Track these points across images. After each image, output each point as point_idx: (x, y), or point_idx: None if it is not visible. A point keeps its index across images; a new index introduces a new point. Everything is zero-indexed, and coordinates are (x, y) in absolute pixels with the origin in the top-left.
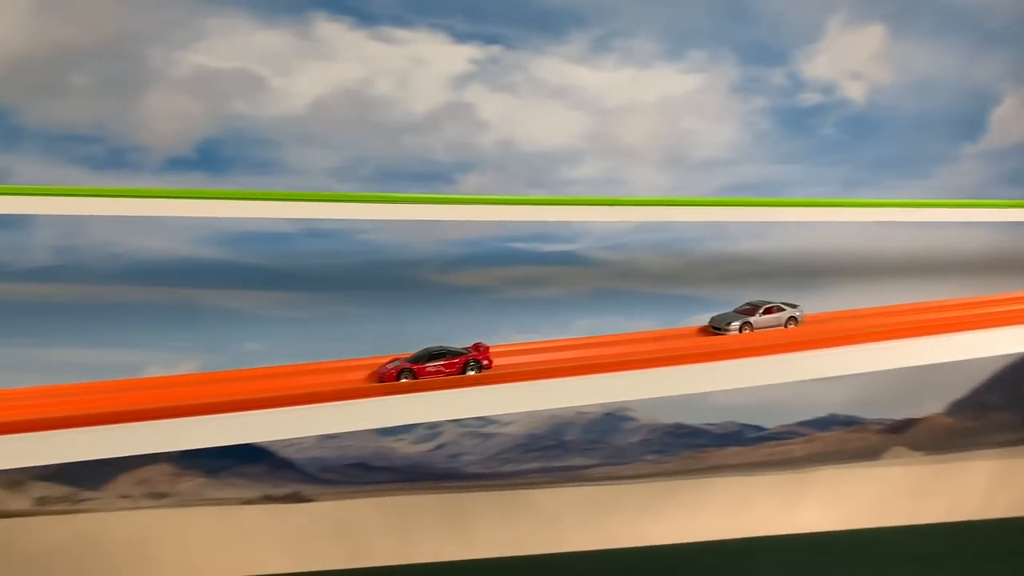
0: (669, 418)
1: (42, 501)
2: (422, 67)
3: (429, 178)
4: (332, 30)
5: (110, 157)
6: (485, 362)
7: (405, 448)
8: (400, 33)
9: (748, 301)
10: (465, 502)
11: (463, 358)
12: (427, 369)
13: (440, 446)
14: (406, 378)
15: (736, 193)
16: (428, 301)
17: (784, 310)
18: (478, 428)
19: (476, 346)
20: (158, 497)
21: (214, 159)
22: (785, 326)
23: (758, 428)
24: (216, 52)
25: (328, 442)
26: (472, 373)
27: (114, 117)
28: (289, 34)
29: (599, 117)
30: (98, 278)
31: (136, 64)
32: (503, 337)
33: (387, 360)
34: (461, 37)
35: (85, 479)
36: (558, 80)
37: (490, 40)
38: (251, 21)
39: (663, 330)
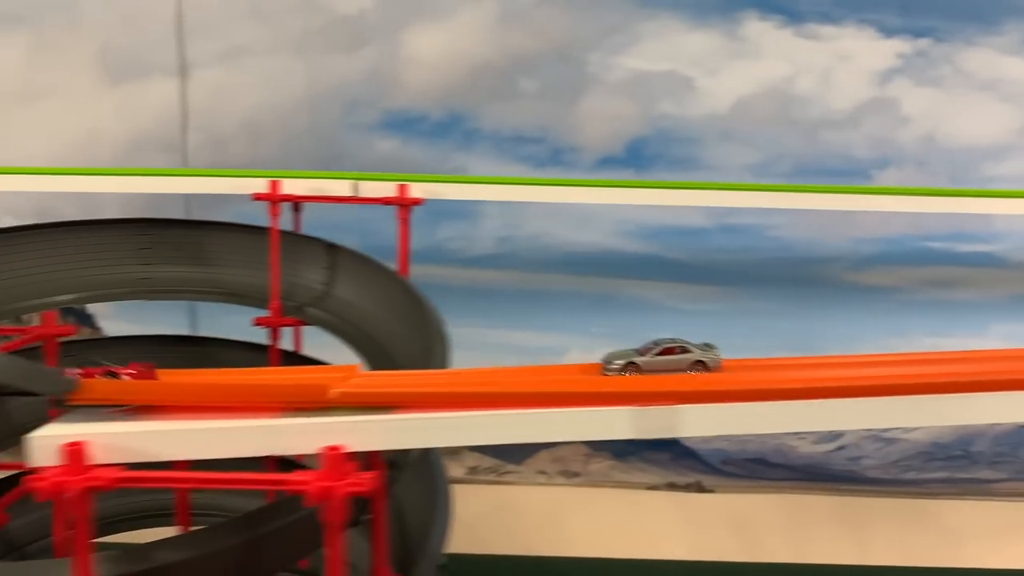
0: None
1: (473, 471)
2: (846, 63)
3: (846, 174)
4: (760, 29)
5: (550, 156)
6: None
7: (806, 447)
8: (827, 30)
9: (655, 339)
10: (863, 507)
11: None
12: None
13: (841, 448)
14: None
15: None
16: (837, 300)
17: (689, 352)
18: (880, 432)
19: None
20: (571, 475)
21: (640, 157)
22: (689, 371)
23: None
24: (648, 55)
25: (731, 436)
26: None
27: (555, 120)
28: (718, 35)
29: None
30: (532, 267)
31: (577, 69)
32: (910, 340)
33: None
34: (890, 31)
35: (510, 453)
36: (988, 73)
37: (919, 33)
38: (683, 23)
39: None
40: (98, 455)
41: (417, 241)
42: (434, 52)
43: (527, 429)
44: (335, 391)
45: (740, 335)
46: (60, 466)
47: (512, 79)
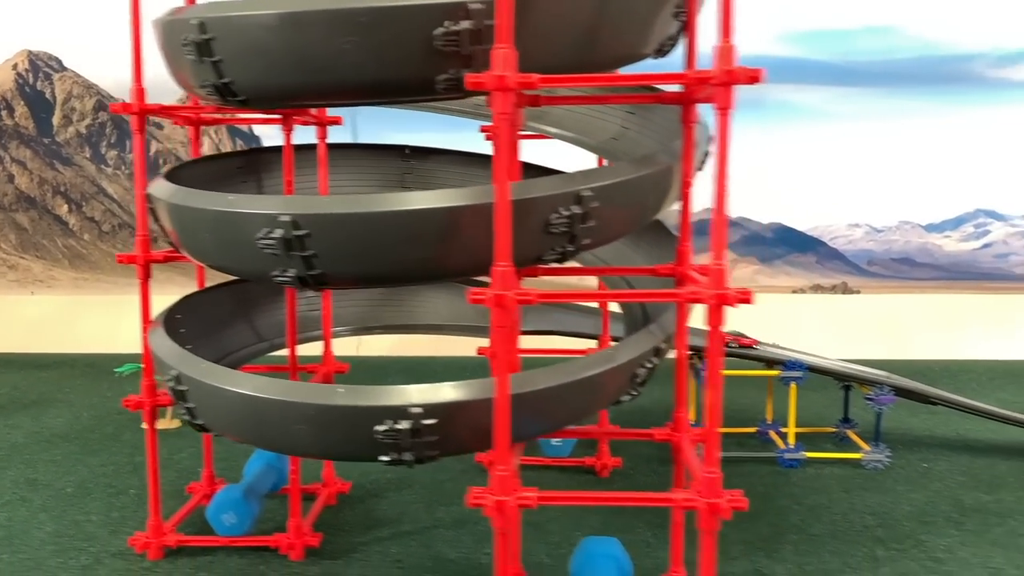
0: None
1: None
2: None
3: None
4: None
5: None
6: None
7: (951, 246)
8: None
9: None
10: (1011, 304)
11: None
12: None
13: (987, 245)
14: None
15: None
16: (981, 95)
17: None
18: None
19: None
20: None
21: None
22: None
23: None
24: None
25: (876, 236)
26: None
27: None
28: None
29: None
30: None
31: None
32: None
33: None
34: None
35: None
36: None
37: None
38: None
39: None
40: None
41: None
42: None
43: None
44: None
45: (885, 135)
46: None
47: None
